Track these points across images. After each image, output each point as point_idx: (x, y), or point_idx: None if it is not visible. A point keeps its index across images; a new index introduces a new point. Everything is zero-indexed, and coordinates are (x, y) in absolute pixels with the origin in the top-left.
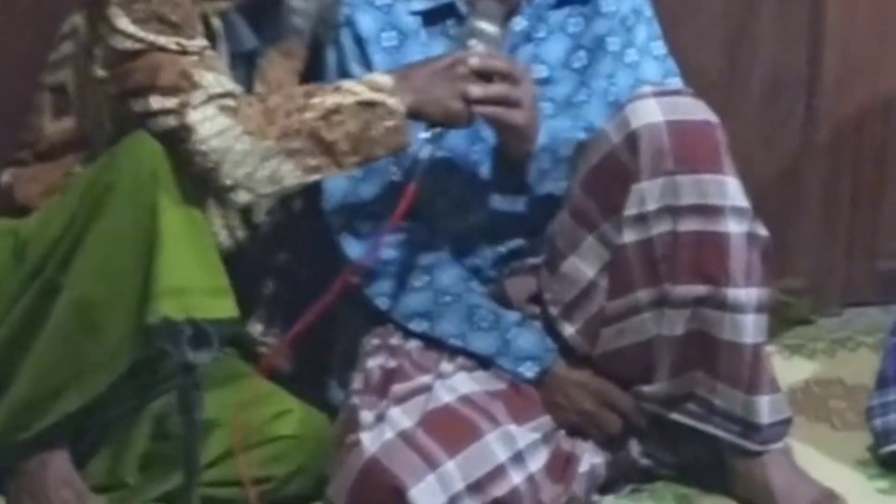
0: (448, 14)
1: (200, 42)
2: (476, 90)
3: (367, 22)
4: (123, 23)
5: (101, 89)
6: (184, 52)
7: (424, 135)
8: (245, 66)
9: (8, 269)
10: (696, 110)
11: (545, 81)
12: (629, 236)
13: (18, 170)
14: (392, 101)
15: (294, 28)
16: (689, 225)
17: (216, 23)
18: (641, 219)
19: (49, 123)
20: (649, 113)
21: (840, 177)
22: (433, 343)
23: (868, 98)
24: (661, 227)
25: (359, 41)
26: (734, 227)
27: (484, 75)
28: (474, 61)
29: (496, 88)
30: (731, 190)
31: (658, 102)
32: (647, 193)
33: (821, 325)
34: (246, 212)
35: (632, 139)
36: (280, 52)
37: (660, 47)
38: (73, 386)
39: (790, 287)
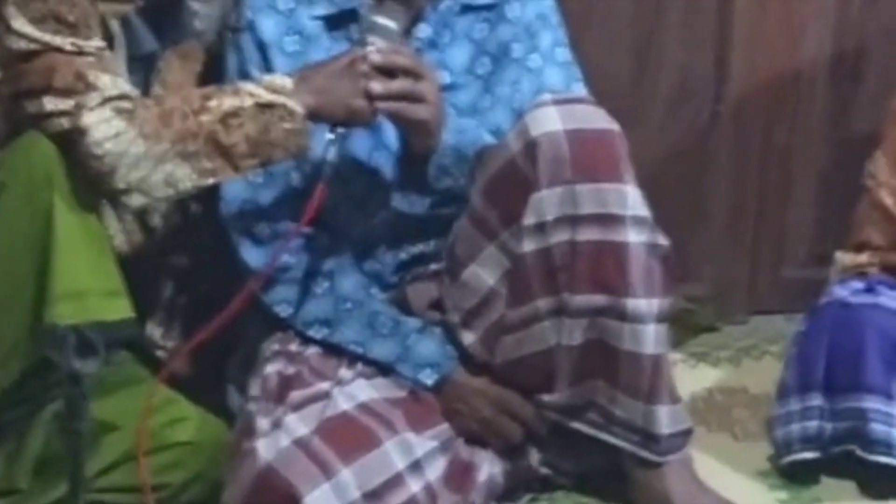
0: (351, 19)
1: (97, 43)
2: (378, 87)
3: (269, 26)
4: (19, 22)
5: None
6: (80, 52)
7: (329, 135)
8: (143, 68)
9: None
10: (597, 119)
11: (449, 87)
12: (528, 245)
13: None
14: (291, 103)
15: (194, 31)
16: (587, 234)
17: (114, 25)
18: (540, 228)
19: None
20: (549, 121)
21: (745, 183)
22: (333, 349)
23: (774, 104)
24: (559, 237)
25: (260, 46)
26: (634, 237)
27: (386, 71)
28: (375, 57)
29: (398, 84)
30: (631, 199)
31: (558, 111)
32: (546, 202)
33: (726, 332)
34: (142, 215)
35: (531, 147)
36: (179, 55)
37: (564, 53)
38: None
39: (695, 294)
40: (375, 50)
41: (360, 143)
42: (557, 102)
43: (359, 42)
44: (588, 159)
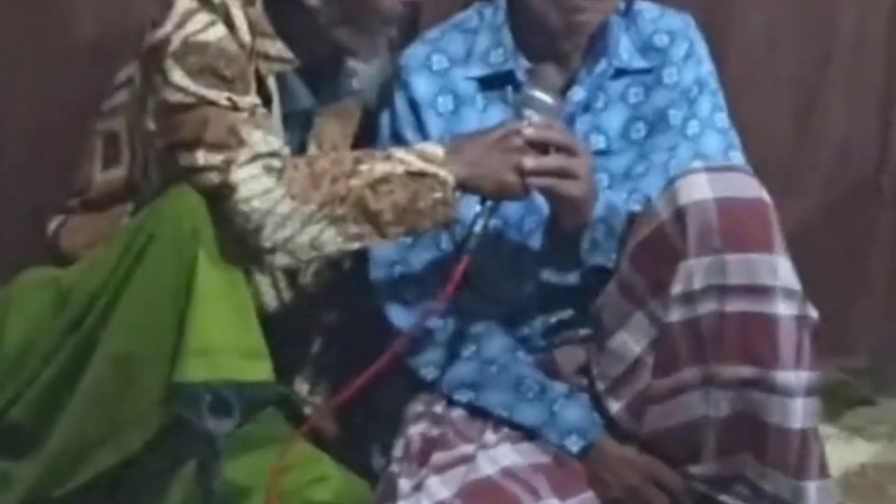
0: (506, 80)
1: (252, 99)
2: (531, 162)
3: (422, 86)
4: (177, 75)
5: (150, 141)
6: (234, 107)
7: (477, 208)
8: (299, 125)
9: (48, 320)
10: (747, 187)
11: (603, 152)
12: (675, 315)
13: (66, 218)
14: (443, 173)
15: (351, 90)
16: (736, 305)
17: (271, 82)
18: (688, 297)
19: (98, 172)
20: (699, 189)
21: None
22: (478, 412)
23: None
24: (707, 307)
25: (413, 105)
26: (783, 309)
27: (539, 146)
28: (529, 132)
29: (552, 160)
30: (782, 270)
31: (708, 178)
32: (694, 271)
33: (883, 406)
34: (293, 272)
35: (680, 215)
36: (335, 114)
37: (723, 119)
38: (108, 442)
39: (852, 366)
40: (530, 124)
41: (511, 207)
42: (708, 170)
43: (514, 109)
44: (738, 229)
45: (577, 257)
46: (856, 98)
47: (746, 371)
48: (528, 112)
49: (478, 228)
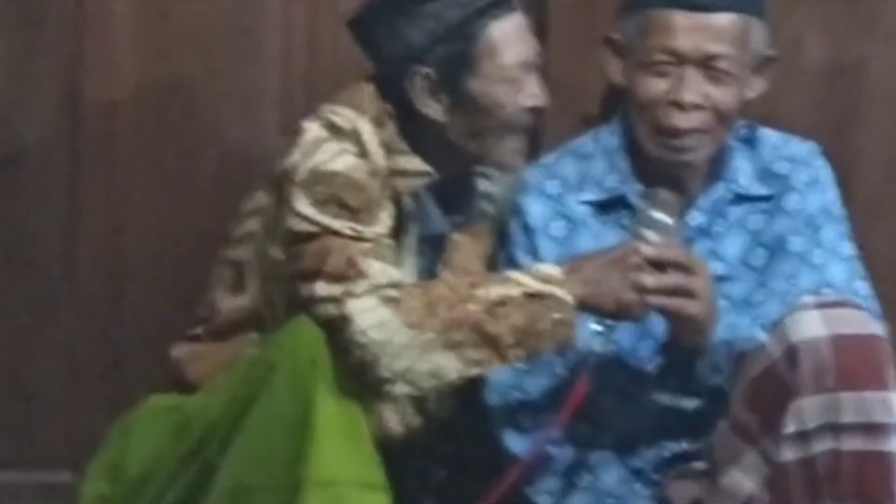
0: (620, 205)
1: (378, 230)
2: (650, 280)
3: (536, 210)
4: (303, 204)
5: (276, 270)
6: (358, 238)
7: (595, 327)
8: (433, 249)
9: (170, 446)
10: (861, 323)
11: (722, 279)
12: (789, 454)
13: (191, 346)
14: (561, 293)
15: (481, 212)
16: (851, 444)
17: (408, 202)
18: (802, 436)
19: (225, 300)
20: (810, 326)
21: None
22: None
23: None
24: (822, 446)
25: (526, 230)
26: None
27: (658, 266)
28: (648, 251)
29: (670, 279)
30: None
31: (820, 315)
32: (807, 410)
33: None
34: (419, 399)
35: (791, 353)
36: (467, 236)
37: (848, 248)
38: None
39: None
40: (648, 243)
41: (625, 332)
42: (819, 306)
43: (633, 233)
44: (851, 367)
45: (694, 380)
46: None
47: None
48: (647, 232)
49: (598, 348)
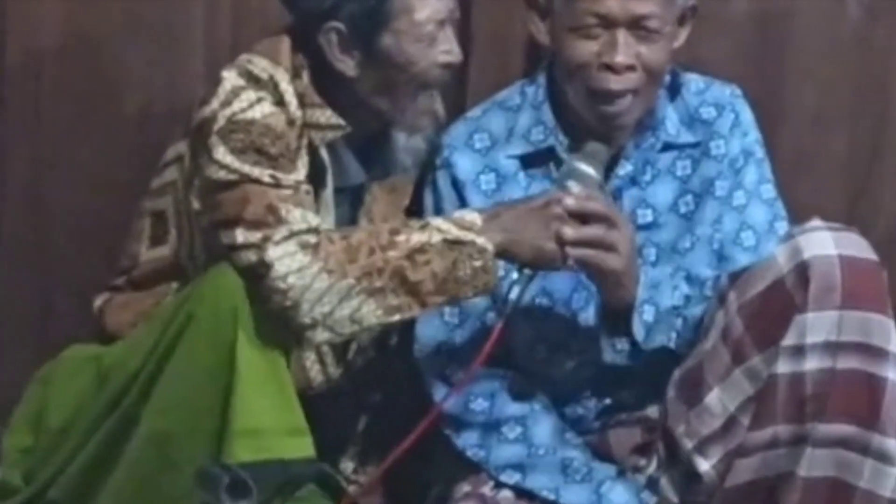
0: (548, 158)
1: (296, 176)
2: (570, 231)
3: (465, 165)
4: (221, 152)
5: (196, 219)
6: (277, 185)
7: (514, 276)
8: (350, 200)
9: (90, 397)
10: (866, 248)
11: (651, 226)
12: (782, 367)
13: (111, 296)
14: (481, 240)
15: (401, 165)
16: (848, 362)
17: (324, 153)
18: (798, 351)
19: (145, 250)
20: (823, 244)
21: None
22: (525, 494)
23: None
24: (817, 363)
25: (455, 184)
26: (893, 374)
27: (580, 217)
28: (570, 202)
29: (591, 231)
30: (894, 335)
31: (832, 235)
32: (810, 326)
33: None
34: (339, 347)
35: (802, 269)
36: (386, 189)
37: (769, 190)
38: None
39: None
40: (571, 194)
41: (559, 283)
42: (830, 228)
43: (557, 183)
44: (858, 287)
45: (630, 340)
46: None
47: (846, 430)
48: (571, 183)
49: (514, 296)
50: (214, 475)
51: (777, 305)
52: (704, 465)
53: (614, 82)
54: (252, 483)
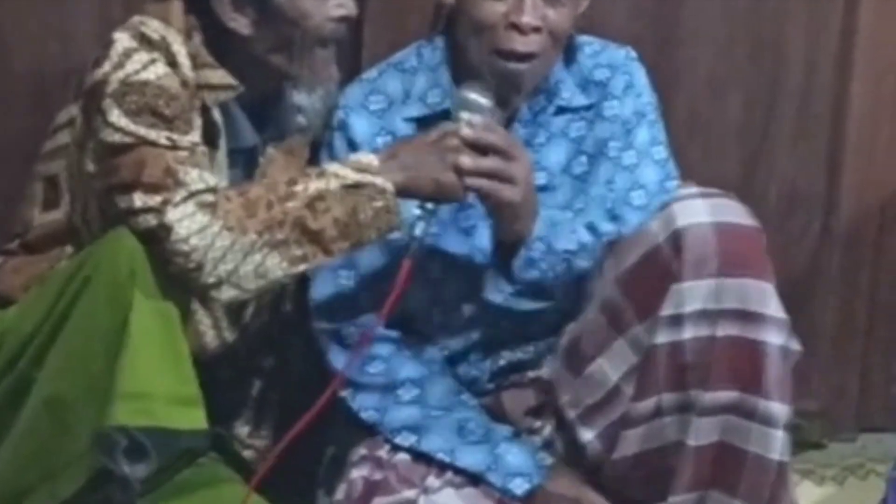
0: (445, 120)
1: (192, 137)
2: (468, 161)
3: (361, 126)
4: (115, 115)
5: (90, 183)
6: (174, 147)
7: (416, 211)
8: (245, 162)
9: None
10: (742, 214)
11: (544, 188)
12: (662, 337)
13: (5, 260)
14: (380, 181)
15: (297, 126)
16: (727, 330)
17: (216, 115)
18: (676, 320)
19: (38, 214)
20: (696, 212)
21: (856, 298)
22: (421, 457)
23: (886, 219)
24: (696, 331)
25: (352, 145)
26: (773, 338)
27: (478, 149)
28: (466, 132)
29: (490, 162)
30: (773, 300)
31: (705, 203)
32: (687, 295)
33: (832, 450)
34: (234, 311)
35: (676, 238)
36: (282, 150)
37: (661, 151)
38: (43, 486)
39: (802, 409)
40: (467, 125)
41: (452, 245)
42: (704, 195)
43: (452, 116)
44: (735, 254)
45: (513, 275)
46: (803, 142)
47: (730, 396)
48: (465, 114)
49: (419, 232)
50: (112, 438)
51: (654, 275)
52: (588, 435)
53: (520, 43)
54: (150, 447)
